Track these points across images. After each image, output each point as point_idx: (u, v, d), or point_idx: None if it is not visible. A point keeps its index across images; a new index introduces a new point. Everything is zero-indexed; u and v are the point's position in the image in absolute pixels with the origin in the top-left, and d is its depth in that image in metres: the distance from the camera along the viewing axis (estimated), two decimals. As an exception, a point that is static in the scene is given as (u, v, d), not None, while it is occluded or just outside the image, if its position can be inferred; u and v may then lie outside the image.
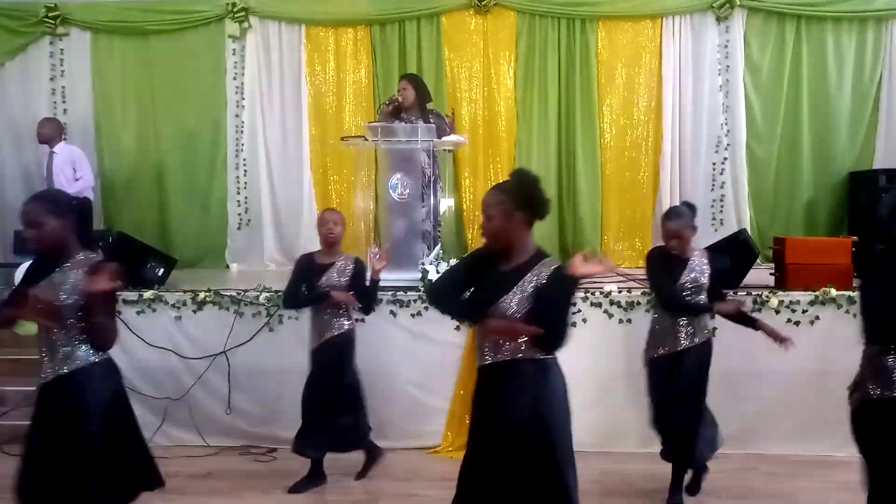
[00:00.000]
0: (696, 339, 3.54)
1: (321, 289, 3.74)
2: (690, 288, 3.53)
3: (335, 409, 3.79)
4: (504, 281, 2.35)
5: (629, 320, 4.41)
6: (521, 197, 2.33)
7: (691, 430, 3.52)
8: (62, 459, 2.45)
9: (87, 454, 2.47)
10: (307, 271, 3.83)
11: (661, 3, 6.60)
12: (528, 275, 2.33)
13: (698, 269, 3.55)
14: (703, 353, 3.57)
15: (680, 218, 3.55)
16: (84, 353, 2.51)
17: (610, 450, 4.28)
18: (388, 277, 4.64)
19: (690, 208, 3.64)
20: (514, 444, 2.32)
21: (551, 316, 2.29)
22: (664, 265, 3.55)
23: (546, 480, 2.32)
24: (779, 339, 3.54)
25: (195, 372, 4.53)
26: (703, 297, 3.56)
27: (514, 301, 2.32)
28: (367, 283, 3.88)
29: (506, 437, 2.34)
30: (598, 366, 4.32)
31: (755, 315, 3.91)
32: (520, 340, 2.34)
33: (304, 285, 3.82)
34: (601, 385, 4.32)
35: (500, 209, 2.33)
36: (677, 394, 3.53)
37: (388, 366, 4.45)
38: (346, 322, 3.82)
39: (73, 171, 5.96)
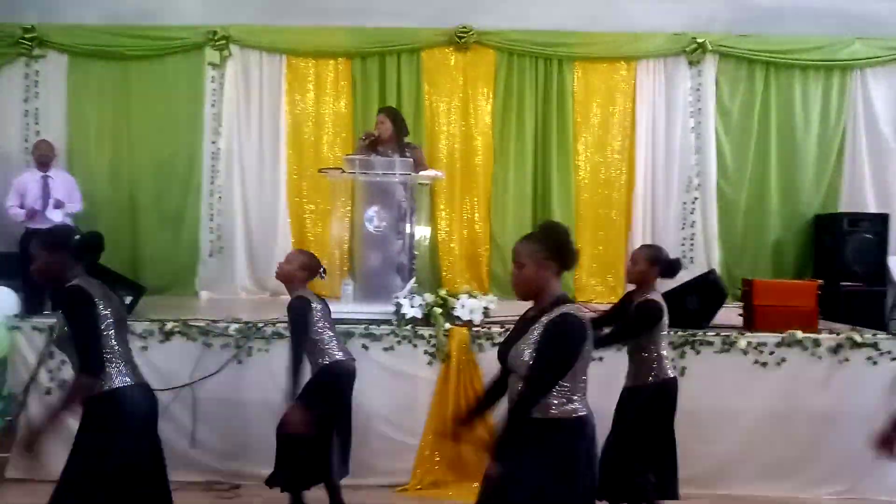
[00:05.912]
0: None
1: None
2: None
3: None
4: (524, 327, 2.36)
5: (600, 358, 4.40)
6: (552, 247, 2.36)
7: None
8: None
9: None
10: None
11: (636, 47, 6.78)
12: (541, 320, 2.30)
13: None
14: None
15: (646, 248, 3.72)
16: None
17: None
18: (362, 310, 4.62)
19: (659, 251, 3.72)
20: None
21: (531, 369, 2.25)
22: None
23: None
24: None
25: (159, 404, 4.41)
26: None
27: (525, 348, 2.27)
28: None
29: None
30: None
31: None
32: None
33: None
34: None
35: (533, 258, 2.34)
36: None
37: (359, 400, 4.37)
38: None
39: (69, 198, 5.99)
